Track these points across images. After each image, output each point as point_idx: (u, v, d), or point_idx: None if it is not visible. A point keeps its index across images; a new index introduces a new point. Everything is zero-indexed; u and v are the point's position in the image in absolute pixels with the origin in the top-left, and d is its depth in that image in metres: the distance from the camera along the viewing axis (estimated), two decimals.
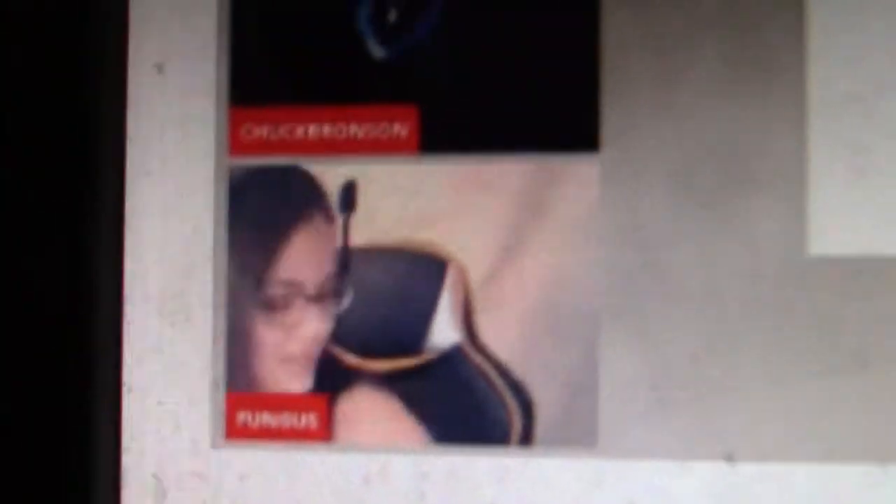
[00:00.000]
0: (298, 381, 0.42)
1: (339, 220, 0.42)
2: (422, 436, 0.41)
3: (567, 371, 0.41)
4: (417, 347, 0.41)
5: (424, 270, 0.42)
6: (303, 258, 0.42)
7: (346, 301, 0.42)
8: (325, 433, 0.42)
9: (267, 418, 0.42)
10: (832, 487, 0.40)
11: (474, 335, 0.41)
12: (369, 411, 0.42)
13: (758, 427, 0.40)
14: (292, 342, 0.42)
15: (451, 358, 0.41)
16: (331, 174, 0.43)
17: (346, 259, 0.42)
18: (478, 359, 0.41)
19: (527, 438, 0.41)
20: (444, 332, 0.41)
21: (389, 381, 0.41)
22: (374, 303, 0.42)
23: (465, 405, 0.41)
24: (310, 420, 0.42)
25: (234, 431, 0.42)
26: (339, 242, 0.42)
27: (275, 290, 0.42)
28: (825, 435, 0.40)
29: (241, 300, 0.43)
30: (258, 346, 0.42)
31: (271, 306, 0.42)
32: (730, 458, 0.40)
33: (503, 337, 0.41)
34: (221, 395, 0.43)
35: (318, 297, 0.42)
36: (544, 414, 0.41)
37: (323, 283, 0.42)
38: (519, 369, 0.41)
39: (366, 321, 0.42)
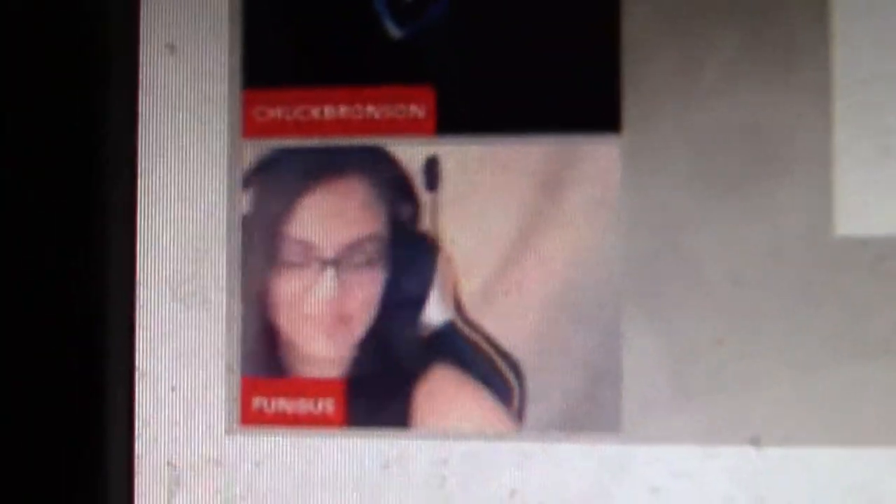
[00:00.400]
0: (317, 366, 0.42)
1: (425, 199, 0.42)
2: (439, 421, 0.41)
3: (589, 356, 0.40)
4: (416, 333, 0.41)
5: (429, 252, 0.42)
6: (324, 225, 0.42)
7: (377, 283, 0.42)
8: (342, 418, 0.41)
9: (283, 404, 0.41)
10: (859, 472, 0.39)
11: (487, 320, 0.41)
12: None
13: (784, 411, 0.40)
14: (312, 325, 0.42)
15: (455, 342, 0.40)
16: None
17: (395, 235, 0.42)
18: (483, 344, 0.41)
19: (546, 424, 0.41)
20: (440, 314, 0.41)
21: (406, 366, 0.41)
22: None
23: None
24: (326, 405, 0.41)
25: (250, 417, 0.41)
26: (424, 223, 0.42)
27: (293, 262, 0.42)
28: (852, 419, 0.39)
29: (256, 281, 0.43)
30: (274, 329, 0.42)
31: (287, 281, 0.42)
32: (756, 442, 0.40)
33: (520, 322, 0.40)
34: (236, 380, 0.42)
35: (342, 269, 0.42)
36: (566, 399, 0.41)
37: (350, 252, 0.42)
38: (538, 355, 0.40)
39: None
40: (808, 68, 0.39)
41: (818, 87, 0.39)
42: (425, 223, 0.42)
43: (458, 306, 0.41)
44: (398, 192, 0.42)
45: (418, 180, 0.42)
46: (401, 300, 0.41)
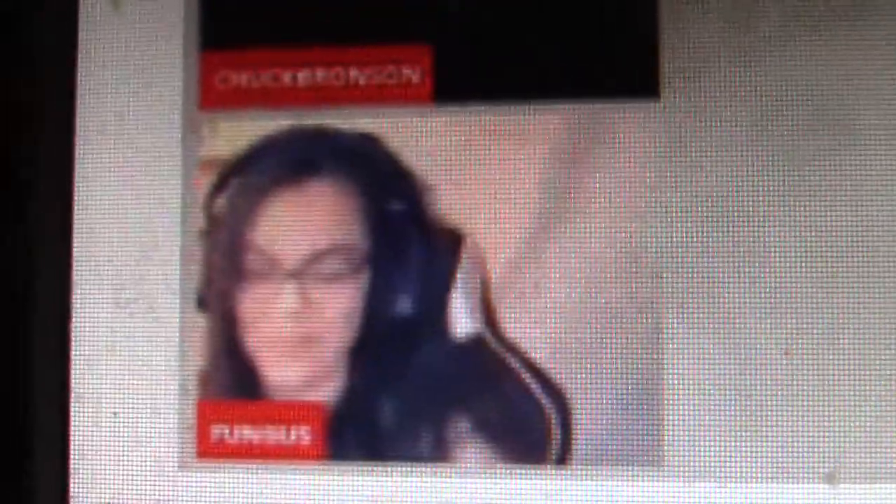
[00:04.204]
0: (288, 385, 0.39)
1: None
2: (440, 452, 0.38)
3: (623, 373, 0.37)
4: (433, 339, 0.38)
5: (439, 244, 0.38)
6: (295, 230, 0.39)
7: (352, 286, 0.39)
8: (319, 451, 0.38)
9: (248, 433, 0.39)
10: None
11: (500, 326, 0.38)
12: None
13: (863, 440, 0.36)
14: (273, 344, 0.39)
15: (473, 353, 0.38)
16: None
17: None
18: (506, 355, 0.38)
19: (571, 456, 0.37)
20: (462, 321, 0.38)
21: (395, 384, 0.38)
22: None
23: (490, 414, 0.38)
24: (301, 434, 0.38)
25: (208, 449, 0.39)
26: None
27: (259, 270, 0.39)
28: None
29: (216, 285, 0.40)
30: (236, 342, 0.39)
31: (254, 290, 0.39)
32: (831, 479, 0.36)
33: (540, 329, 0.37)
34: (192, 404, 0.39)
35: (315, 279, 0.39)
36: (596, 426, 0.37)
37: (322, 260, 0.39)
38: (560, 370, 0.37)
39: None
40: (886, 18, 0.37)
41: (894, 42, 0.37)
42: (424, 217, 0.39)
43: (488, 317, 0.38)
44: (387, 188, 0.39)
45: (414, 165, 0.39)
46: (397, 312, 0.39)
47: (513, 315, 0.38)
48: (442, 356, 0.38)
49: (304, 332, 0.39)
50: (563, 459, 0.37)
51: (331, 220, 0.39)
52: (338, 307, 0.39)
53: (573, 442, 0.37)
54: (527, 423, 0.37)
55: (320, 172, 0.39)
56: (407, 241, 0.38)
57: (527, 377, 0.37)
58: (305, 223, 0.39)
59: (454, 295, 0.38)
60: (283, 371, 0.39)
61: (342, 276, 0.39)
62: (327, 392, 0.38)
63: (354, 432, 0.38)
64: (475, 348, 0.38)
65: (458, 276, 0.38)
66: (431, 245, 0.38)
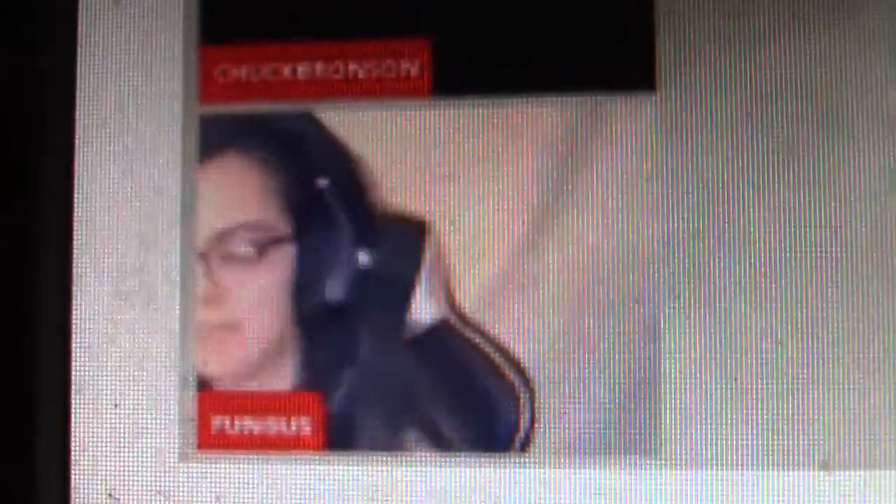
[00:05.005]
0: (287, 377, 0.38)
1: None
2: (433, 444, 0.38)
3: (621, 362, 0.37)
4: (405, 331, 0.38)
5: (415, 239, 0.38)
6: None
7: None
8: (320, 441, 0.38)
9: (249, 423, 0.38)
10: None
11: (495, 318, 0.37)
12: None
13: (857, 427, 0.36)
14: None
15: (456, 345, 0.37)
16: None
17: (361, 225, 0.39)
18: (487, 347, 0.37)
19: (569, 444, 0.37)
20: (429, 312, 0.38)
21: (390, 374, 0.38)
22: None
23: (479, 404, 0.37)
24: (301, 425, 0.38)
25: (209, 440, 0.39)
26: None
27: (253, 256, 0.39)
28: None
29: (214, 275, 0.39)
30: (237, 332, 0.39)
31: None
32: (825, 466, 0.36)
33: (536, 323, 0.37)
34: (192, 395, 0.39)
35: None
36: (593, 416, 0.37)
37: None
38: (556, 361, 0.37)
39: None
40: (880, 9, 0.37)
41: (891, 33, 0.37)
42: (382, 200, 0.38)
43: (453, 303, 0.38)
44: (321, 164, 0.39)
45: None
46: (381, 296, 0.38)
47: (511, 307, 0.37)
48: (440, 350, 0.38)
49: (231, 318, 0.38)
50: (558, 450, 0.37)
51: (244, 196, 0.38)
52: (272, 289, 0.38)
53: (567, 432, 0.37)
54: (521, 414, 0.37)
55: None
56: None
57: (524, 369, 0.37)
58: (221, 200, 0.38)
59: (418, 286, 0.38)
60: (283, 361, 0.38)
61: (276, 258, 0.38)
62: (326, 381, 0.38)
63: (351, 422, 0.38)
64: (471, 341, 0.37)
65: (423, 266, 0.38)
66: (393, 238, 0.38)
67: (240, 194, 0.38)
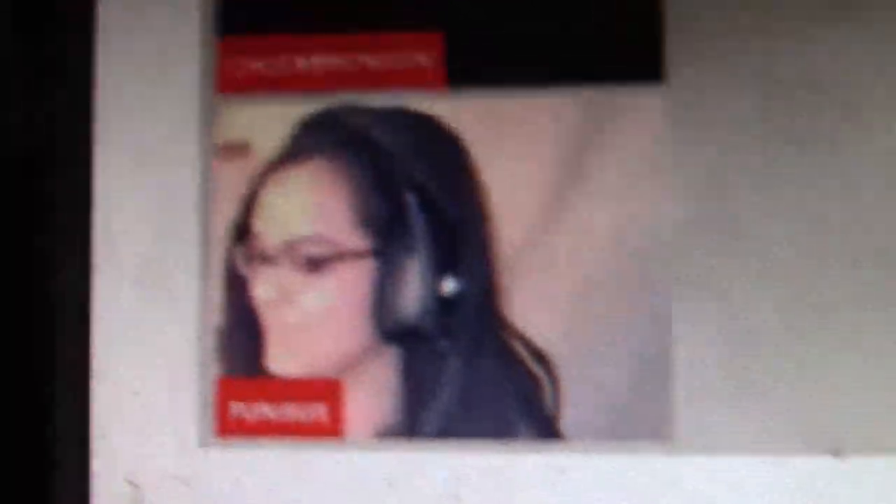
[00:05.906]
0: (303, 364, 0.38)
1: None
2: (450, 427, 0.38)
3: (634, 352, 0.37)
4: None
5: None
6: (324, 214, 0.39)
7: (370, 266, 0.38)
8: (337, 428, 0.38)
9: (267, 410, 0.39)
10: None
11: (510, 309, 0.38)
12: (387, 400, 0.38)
13: (868, 414, 0.36)
14: (297, 313, 0.39)
15: (480, 336, 0.38)
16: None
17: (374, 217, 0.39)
18: (513, 338, 0.37)
19: (582, 431, 0.37)
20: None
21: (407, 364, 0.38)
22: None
23: (499, 392, 0.38)
24: (318, 412, 0.38)
25: (227, 427, 0.39)
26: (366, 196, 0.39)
27: (277, 251, 0.39)
28: None
29: (234, 265, 0.39)
30: (256, 321, 0.39)
31: (271, 271, 0.39)
32: (837, 452, 0.36)
33: (550, 311, 0.37)
34: (211, 383, 0.39)
35: (333, 259, 0.39)
36: (607, 403, 0.37)
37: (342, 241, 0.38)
38: (570, 350, 0.37)
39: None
40: (891, 3, 0.37)
41: None
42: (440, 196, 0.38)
43: (501, 295, 0.38)
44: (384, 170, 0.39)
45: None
46: (398, 291, 0.38)
47: (526, 293, 0.37)
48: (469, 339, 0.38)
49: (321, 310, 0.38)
50: (574, 435, 0.37)
51: (355, 203, 0.38)
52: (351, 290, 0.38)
53: (584, 417, 0.37)
54: (539, 400, 0.37)
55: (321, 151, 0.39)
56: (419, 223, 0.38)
57: (537, 355, 0.37)
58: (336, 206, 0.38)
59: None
60: (301, 349, 0.38)
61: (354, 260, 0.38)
62: (344, 366, 0.38)
63: (368, 408, 0.38)
64: (485, 325, 0.38)
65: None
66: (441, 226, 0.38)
67: (317, 203, 0.38)
